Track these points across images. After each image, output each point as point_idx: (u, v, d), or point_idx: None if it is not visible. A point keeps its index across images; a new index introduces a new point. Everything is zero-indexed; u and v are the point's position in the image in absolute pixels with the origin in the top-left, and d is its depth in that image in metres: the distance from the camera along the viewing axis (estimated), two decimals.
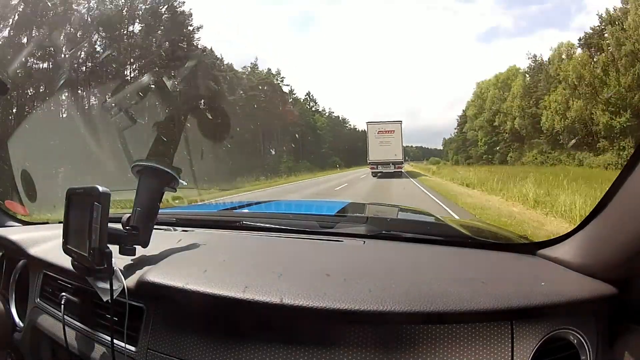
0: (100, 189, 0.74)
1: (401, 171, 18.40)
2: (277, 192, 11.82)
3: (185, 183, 0.95)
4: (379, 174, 17.48)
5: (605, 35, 20.29)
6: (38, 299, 1.07)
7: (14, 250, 1.20)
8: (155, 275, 0.78)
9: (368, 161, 18.74)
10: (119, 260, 0.81)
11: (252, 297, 0.68)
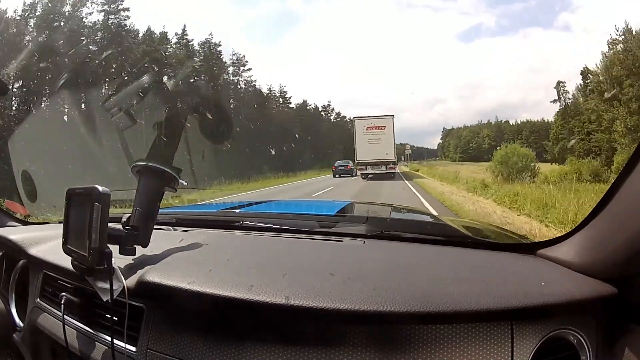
0: (100, 189, 0.74)
1: (394, 172, 16.66)
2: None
3: (185, 183, 0.95)
4: (369, 176, 15.90)
5: None
6: (38, 299, 1.07)
7: (14, 250, 1.20)
8: (155, 275, 0.78)
9: (356, 161, 17.03)
10: (119, 260, 0.81)
11: (257, 297, 0.68)
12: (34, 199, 1.91)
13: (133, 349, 0.77)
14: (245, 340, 0.69)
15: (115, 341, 0.77)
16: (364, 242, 0.99)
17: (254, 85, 33.42)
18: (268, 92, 35.20)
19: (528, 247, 0.91)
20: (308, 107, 40.50)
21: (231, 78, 31.41)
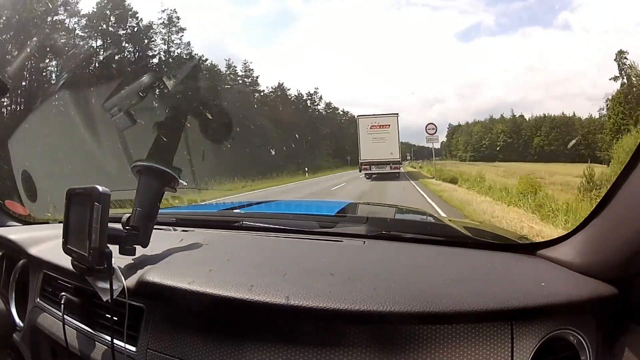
0: (100, 189, 0.74)
1: (398, 172, 16.19)
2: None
3: (185, 183, 0.95)
4: (373, 176, 15.53)
5: None
6: (38, 299, 1.07)
7: (14, 250, 1.20)
8: (155, 275, 0.78)
9: (359, 161, 16.49)
10: (119, 260, 0.81)
11: (258, 297, 0.68)
12: (34, 199, 1.91)
13: (133, 349, 0.77)
14: (246, 340, 0.69)
15: (115, 341, 0.77)
16: (364, 242, 0.99)
17: (191, 52, 23.57)
18: (227, 68, 26.88)
19: (528, 248, 0.91)
20: (286, 93, 31.07)
21: (160, 44, 22.56)
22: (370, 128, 16.85)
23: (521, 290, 0.69)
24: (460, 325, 0.65)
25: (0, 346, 1.15)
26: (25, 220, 1.55)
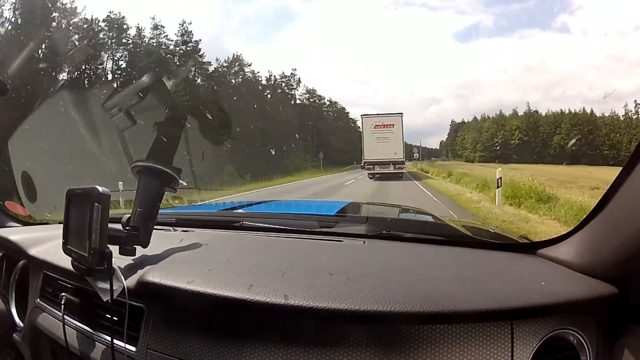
0: (100, 189, 0.74)
1: (402, 172, 16.05)
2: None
3: (185, 183, 0.95)
4: (377, 175, 15.34)
5: None
6: (38, 299, 1.07)
7: (14, 251, 1.20)
8: (155, 275, 0.78)
9: (363, 160, 16.37)
10: (119, 261, 0.81)
11: (256, 296, 0.68)
12: (34, 199, 1.90)
13: (133, 349, 0.77)
14: (245, 340, 0.69)
15: (115, 341, 0.77)
16: (364, 242, 0.99)
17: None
18: (152, 29, 20.29)
19: (528, 247, 0.91)
20: (251, 71, 24.03)
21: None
22: (374, 127, 16.59)
23: (521, 290, 0.69)
24: (460, 325, 0.65)
25: (0, 346, 1.15)
26: (25, 221, 1.55)
